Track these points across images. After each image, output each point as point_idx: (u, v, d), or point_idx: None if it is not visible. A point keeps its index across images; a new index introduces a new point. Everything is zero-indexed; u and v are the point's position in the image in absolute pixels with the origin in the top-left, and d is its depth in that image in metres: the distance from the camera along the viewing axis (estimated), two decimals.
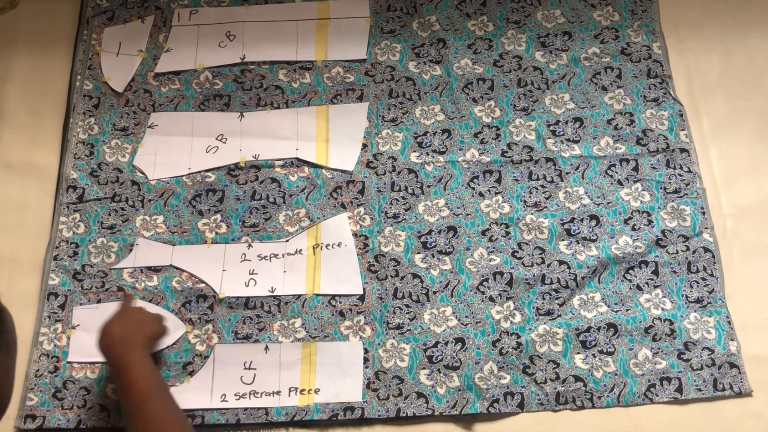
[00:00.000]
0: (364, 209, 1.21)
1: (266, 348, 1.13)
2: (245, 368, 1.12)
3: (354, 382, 1.10)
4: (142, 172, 1.24)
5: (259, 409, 1.09)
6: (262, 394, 1.10)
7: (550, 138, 1.25)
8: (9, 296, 1.15)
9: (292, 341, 1.13)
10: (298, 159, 1.25)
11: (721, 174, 1.24)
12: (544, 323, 1.13)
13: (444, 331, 1.13)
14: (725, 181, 1.23)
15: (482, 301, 1.15)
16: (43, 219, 1.21)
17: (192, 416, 1.08)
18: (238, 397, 1.10)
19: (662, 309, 1.14)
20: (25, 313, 1.14)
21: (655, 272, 1.16)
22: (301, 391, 1.10)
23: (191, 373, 1.11)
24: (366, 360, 1.11)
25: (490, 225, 1.20)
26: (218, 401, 1.09)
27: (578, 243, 1.18)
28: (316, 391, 1.10)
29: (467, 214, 1.21)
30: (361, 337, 1.13)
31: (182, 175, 1.23)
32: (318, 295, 1.16)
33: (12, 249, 1.19)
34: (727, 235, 1.19)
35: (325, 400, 1.09)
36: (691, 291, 1.15)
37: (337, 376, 1.11)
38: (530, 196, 1.22)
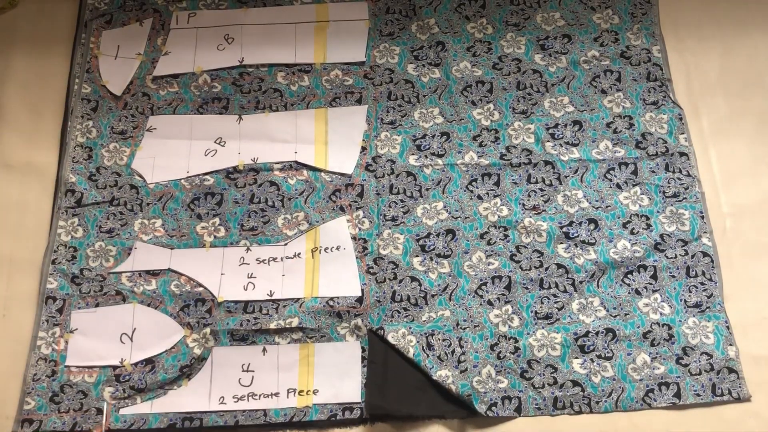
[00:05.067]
0: (363, 212, 1.21)
1: (264, 350, 1.13)
2: (243, 370, 1.12)
3: (352, 383, 1.10)
4: (141, 176, 1.24)
5: (257, 410, 1.09)
6: (260, 396, 1.10)
7: (549, 141, 1.25)
8: (8, 297, 1.15)
9: (289, 342, 1.13)
10: (296, 162, 1.24)
11: (720, 174, 1.24)
12: (543, 327, 1.13)
13: None
14: (725, 181, 1.23)
15: (480, 304, 1.15)
16: (42, 219, 1.21)
17: (190, 419, 1.08)
18: (236, 400, 1.10)
19: (661, 314, 1.14)
20: (24, 316, 1.14)
21: (654, 277, 1.16)
22: (300, 392, 1.10)
23: (189, 377, 1.11)
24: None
25: (488, 228, 1.20)
26: (216, 404, 1.10)
27: (576, 246, 1.18)
28: (315, 392, 1.10)
29: (466, 217, 1.20)
30: (358, 336, 1.13)
31: (181, 179, 1.23)
32: (316, 296, 1.16)
33: (11, 249, 1.19)
34: (726, 235, 1.19)
35: (324, 400, 1.10)
36: (689, 295, 1.15)
37: (336, 376, 1.11)
38: (529, 200, 1.21)
